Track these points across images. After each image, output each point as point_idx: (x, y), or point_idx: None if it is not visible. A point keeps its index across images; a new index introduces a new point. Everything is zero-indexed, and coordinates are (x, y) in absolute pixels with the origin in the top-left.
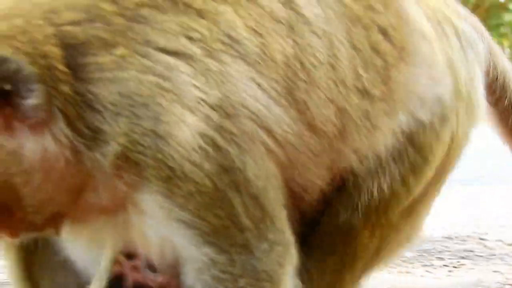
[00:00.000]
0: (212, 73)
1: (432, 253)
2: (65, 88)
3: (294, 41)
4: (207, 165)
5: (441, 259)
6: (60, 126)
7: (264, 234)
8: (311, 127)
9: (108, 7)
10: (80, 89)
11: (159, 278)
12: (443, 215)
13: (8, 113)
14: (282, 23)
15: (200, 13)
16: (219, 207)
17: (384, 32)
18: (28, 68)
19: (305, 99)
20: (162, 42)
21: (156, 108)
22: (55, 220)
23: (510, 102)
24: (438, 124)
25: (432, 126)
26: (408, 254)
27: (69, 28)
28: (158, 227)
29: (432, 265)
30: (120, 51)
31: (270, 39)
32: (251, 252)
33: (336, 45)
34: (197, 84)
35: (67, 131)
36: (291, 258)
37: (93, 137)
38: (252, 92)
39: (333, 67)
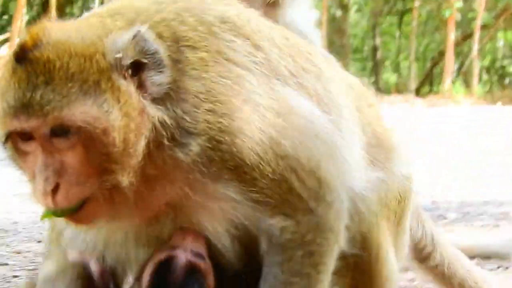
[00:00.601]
0: (266, 86)
1: (473, 215)
2: (171, 77)
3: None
4: (266, 155)
5: (481, 220)
6: (162, 110)
7: (322, 198)
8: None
9: (190, 18)
10: (177, 80)
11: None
12: (482, 183)
13: (137, 80)
14: (311, 71)
15: (256, 46)
16: (279, 186)
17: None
18: (164, 53)
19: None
20: (231, 55)
21: (230, 106)
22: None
23: (441, 257)
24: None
25: None
26: (452, 216)
27: (165, 27)
28: (232, 209)
29: (473, 225)
30: (202, 54)
31: (304, 74)
32: (312, 213)
33: None
34: (258, 91)
35: (165, 118)
36: (345, 212)
37: (178, 134)
38: (296, 99)
39: None
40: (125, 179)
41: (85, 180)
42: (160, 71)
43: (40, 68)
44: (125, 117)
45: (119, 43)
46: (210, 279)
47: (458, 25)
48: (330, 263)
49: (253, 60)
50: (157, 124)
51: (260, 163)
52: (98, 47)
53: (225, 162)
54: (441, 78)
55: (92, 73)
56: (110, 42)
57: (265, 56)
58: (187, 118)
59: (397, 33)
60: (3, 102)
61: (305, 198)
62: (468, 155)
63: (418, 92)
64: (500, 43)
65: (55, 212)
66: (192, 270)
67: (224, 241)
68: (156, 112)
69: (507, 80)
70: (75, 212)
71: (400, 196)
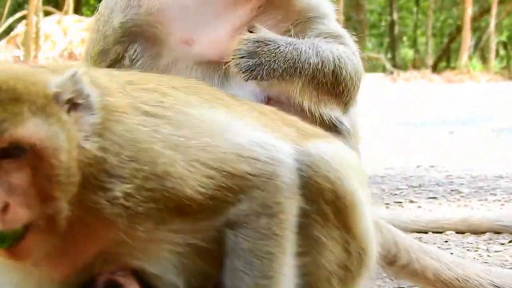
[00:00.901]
0: (179, 127)
1: (486, 190)
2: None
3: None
4: (197, 183)
5: (494, 194)
6: (93, 148)
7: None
8: None
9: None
10: (106, 123)
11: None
12: (495, 158)
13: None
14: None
15: (164, 94)
16: (220, 195)
17: None
18: (95, 97)
19: None
20: (146, 108)
21: (152, 153)
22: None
23: (407, 254)
24: None
25: None
26: (465, 190)
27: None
28: (177, 246)
29: (486, 199)
30: (123, 104)
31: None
32: (257, 195)
33: None
34: (174, 133)
35: (95, 154)
36: (290, 179)
37: (104, 176)
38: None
39: None
40: (66, 207)
41: (32, 202)
42: (92, 113)
43: None
44: (67, 144)
45: (59, 78)
46: None
47: (475, 0)
48: (291, 221)
49: (164, 106)
50: (87, 160)
51: (193, 194)
52: (42, 77)
53: (159, 205)
54: (458, 54)
55: (39, 97)
56: (52, 75)
57: (173, 98)
58: (114, 161)
59: (414, 9)
60: None
61: (244, 187)
62: (482, 131)
63: (435, 68)
64: None
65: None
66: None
67: (170, 278)
68: (88, 147)
69: None
70: (17, 241)
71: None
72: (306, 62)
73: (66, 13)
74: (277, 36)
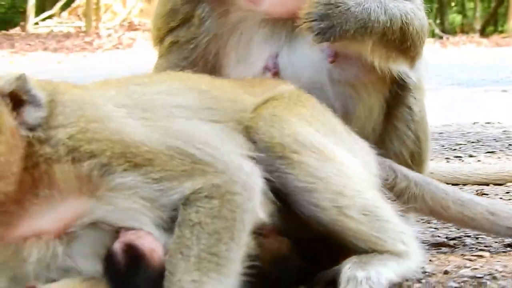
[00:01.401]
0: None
1: None
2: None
3: None
4: (150, 137)
5: None
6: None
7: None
8: None
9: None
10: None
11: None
12: None
13: (17, 114)
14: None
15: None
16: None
17: None
18: (43, 96)
19: None
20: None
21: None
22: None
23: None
24: None
25: None
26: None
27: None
28: (138, 197)
29: None
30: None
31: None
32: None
33: None
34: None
35: (39, 135)
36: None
37: (46, 135)
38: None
39: None
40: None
41: None
42: (38, 107)
43: None
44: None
45: (5, 78)
46: (155, 256)
47: None
48: (245, 219)
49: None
50: (31, 141)
51: (145, 143)
52: None
53: (107, 151)
54: (505, 18)
55: None
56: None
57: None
58: (59, 127)
59: None
60: None
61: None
62: None
63: (483, 32)
64: None
65: None
66: (130, 251)
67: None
68: (28, 133)
69: None
70: None
71: None
72: (376, 21)
73: None
74: None
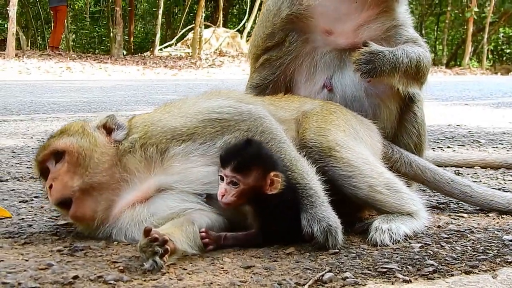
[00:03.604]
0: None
1: (496, 141)
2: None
3: None
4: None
5: (501, 143)
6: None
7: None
8: None
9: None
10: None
11: None
12: (501, 119)
13: (109, 137)
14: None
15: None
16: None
17: None
18: (125, 123)
19: None
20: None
21: (153, 118)
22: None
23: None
24: None
25: None
26: (482, 141)
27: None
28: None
29: (497, 147)
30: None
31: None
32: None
33: None
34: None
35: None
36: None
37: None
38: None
39: None
40: (96, 178)
41: (69, 181)
42: (122, 130)
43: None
44: (92, 146)
45: (99, 117)
46: None
47: (475, 22)
48: (276, 131)
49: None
50: (118, 147)
51: (184, 126)
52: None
53: (162, 140)
54: (463, 56)
55: (76, 130)
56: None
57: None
58: (133, 134)
59: (436, 27)
60: None
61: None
62: (484, 104)
63: (447, 65)
64: (501, 34)
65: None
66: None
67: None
68: (117, 144)
69: (504, 58)
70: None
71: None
72: (401, 63)
73: (218, 26)
74: (382, 47)
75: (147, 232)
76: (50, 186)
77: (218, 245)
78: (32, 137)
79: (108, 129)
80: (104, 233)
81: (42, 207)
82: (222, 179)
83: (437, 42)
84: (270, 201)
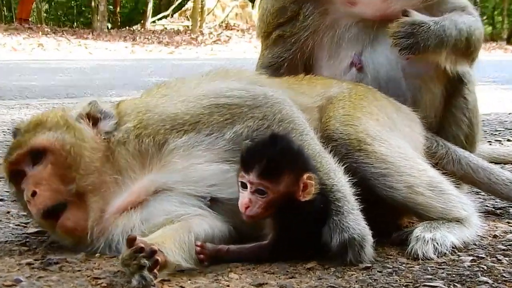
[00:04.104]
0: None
1: None
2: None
3: None
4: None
5: None
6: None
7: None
8: None
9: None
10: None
11: None
12: None
13: (96, 129)
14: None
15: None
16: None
17: None
18: (113, 111)
19: None
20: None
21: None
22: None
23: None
24: None
25: None
26: None
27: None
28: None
29: None
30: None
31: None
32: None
33: None
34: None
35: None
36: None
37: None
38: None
39: None
40: (89, 181)
41: (56, 187)
42: (110, 119)
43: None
44: (79, 141)
45: (79, 105)
46: None
47: None
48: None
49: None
50: (106, 140)
51: (186, 113)
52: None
53: (160, 130)
54: None
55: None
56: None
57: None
58: (126, 123)
59: None
60: None
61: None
62: None
63: (508, 40)
64: None
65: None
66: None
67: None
68: (106, 136)
69: None
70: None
71: None
72: (450, 36)
73: None
74: (426, 17)
75: (130, 241)
76: (33, 194)
77: (216, 260)
78: None
79: (93, 118)
80: (95, 248)
81: (8, 212)
82: (244, 186)
83: (496, 12)
84: (302, 208)
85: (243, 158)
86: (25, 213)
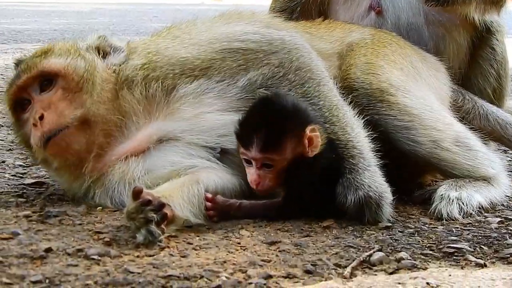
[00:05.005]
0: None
1: None
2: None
3: None
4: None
5: None
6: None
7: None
8: None
9: None
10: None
11: None
12: None
13: (106, 60)
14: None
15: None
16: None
17: None
18: (122, 45)
19: None
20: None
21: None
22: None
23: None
24: None
25: None
26: None
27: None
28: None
29: None
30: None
31: None
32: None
33: None
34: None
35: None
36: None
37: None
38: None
39: None
40: (97, 108)
41: (63, 110)
42: (120, 52)
43: None
44: (89, 69)
45: (88, 38)
46: None
47: None
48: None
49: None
50: (115, 73)
51: (197, 57)
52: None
53: (169, 74)
54: None
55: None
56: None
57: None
58: (134, 60)
59: None
60: None
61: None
62: None
63: None
64: None
65: None
66: None
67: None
68: (115, 68)
69: None
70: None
71: None
72: None
73: None
74: None
75: (136, 193)
76: (41, 117)
77: (226, 216)
78: None
79: (102, 52)
80: (83, 187)
81: (3, 162)
82: (248, 162)
83: None
84: (312, 164)
85: (239, 134)
86: (23, 153)
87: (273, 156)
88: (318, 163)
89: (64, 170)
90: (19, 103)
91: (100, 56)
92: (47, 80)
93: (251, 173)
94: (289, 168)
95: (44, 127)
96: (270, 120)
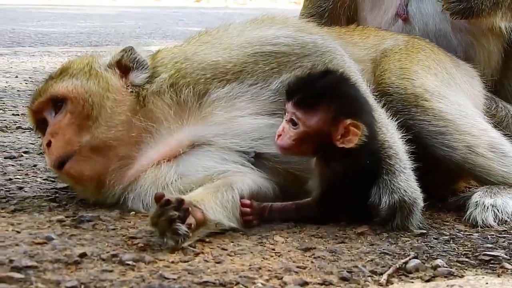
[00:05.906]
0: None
1: None
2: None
3: None
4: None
5: None
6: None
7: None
8: None
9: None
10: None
11: None
12: None
13: (125, 79)
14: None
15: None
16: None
17: None
18: (147, 61)
19: None
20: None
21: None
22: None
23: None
24: None
25: None
26: None
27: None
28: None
29: None
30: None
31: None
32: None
33: None
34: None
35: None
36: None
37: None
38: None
39: None
40: (106, 132)
41: (71, 136)
42: (143, 71)
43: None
44: (102, 91)
45: (112, 51)
46: None
47: None
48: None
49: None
50: (133, 93)
51: (229, 61)
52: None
53: (201, 79)
54: None
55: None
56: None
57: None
58: (161, 73)
59: None
60: None
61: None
62: None
63: None
64: None
65: None
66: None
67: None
68: (135, 89)
69: None
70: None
71: None
72: None
73: None
74: None
75: (158, 199)
76: (49, 144)
77: (262, 219)
78: (17, 76)
79: (124, 67)
80: (114, 197)
81: (34, 166)
82: (285, 114)
83: None
84: (345, 159)
85: (289, 85)
86: None
87: (301, 114)
88: (352, 161)
89: (85, 190)
90: (40, 124)
91: (119, 73)
92: (58, 102)
93: (281, 125)
94: (320, 155)
95: (51, 154)
96: (319, 85)
